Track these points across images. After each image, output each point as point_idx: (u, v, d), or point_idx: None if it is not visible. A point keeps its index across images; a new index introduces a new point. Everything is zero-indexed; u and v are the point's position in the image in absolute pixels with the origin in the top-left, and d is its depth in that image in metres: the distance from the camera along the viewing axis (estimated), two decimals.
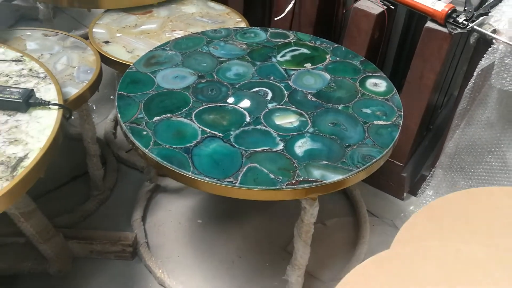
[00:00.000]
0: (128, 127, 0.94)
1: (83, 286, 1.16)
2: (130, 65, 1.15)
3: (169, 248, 1.26)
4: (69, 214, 1.31)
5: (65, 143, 1.22)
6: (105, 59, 1.26)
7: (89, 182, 1.37)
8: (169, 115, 0.98)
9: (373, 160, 0.90)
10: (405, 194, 1.43)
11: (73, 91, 1.12)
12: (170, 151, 0.89)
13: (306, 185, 0.84)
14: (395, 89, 1.10)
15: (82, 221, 1.31)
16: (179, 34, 1.36)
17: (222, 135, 0.93)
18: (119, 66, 1.24)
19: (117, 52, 1.27)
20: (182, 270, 1.21)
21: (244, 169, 0.86)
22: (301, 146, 0.92)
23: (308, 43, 1.26)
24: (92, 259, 1.21)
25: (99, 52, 1.26)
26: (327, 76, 1.13)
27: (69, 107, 1.09)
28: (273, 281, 1.19)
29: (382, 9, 1.28)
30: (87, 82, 1.15)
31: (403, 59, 1.44)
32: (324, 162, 0.89)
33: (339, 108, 1.03)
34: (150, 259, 1.20)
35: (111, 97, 1.76)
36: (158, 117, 0.97)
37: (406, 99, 1.29)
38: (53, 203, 1.34)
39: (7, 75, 1.05)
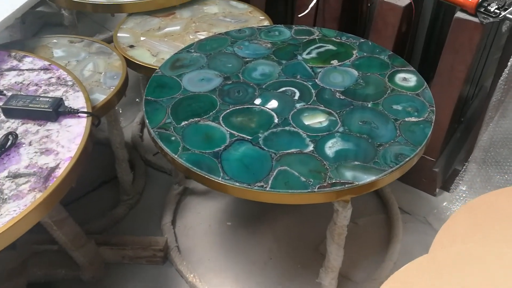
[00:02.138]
0: (157, 132, 0.94)
1: None
2: (156, 68, 1.15)
3: (199, 251, 1.26)
4: (99, 220, 1.32)
5: (93, 148, 1.23)
6: (130, 63, 1.26)
7: (118, 187, 1.38)
8: (196, 119, 0.97)
9: (407, 159, 0.88)
10: (437, 189, 1.40)
11: (100, 97, 1.12)
12: (199, 156, 0.88)
13: (338, 187, 0.83)
14: (425, 83, 1.07)
15: (112, 226, 1.32)
16: (202, 35, 1.35)
17: (250, 138, 0.92)
18: (145, 70, 1.25)
19: (142, 56, 1.27)
20: (214, 274, 1.20)
21: (275, 173, 0.85)
22: (332, 147, 0.90)
23: (334, 39, 1.23)
24: (124, 264, 1.22)
25: (124, 57, 1.26)
26: (355, 72, 1.11)
27: (97, 113, 1.10)
28: (306, 284, 1.17)
29: (409, 1, 1.24)
30: (114, 87, 1.15)
31: (432, 51, 1.40)
32: (356, 162, 0.87)
33: (369, 105, 1.01)
34: (181, 264, 1.21)
35: (137, 100, 1.77)
36: (186, 122, 0.96)
37: (437, 93, 1.25)
38: (83, 209, 1.36)
39: (36, 84, 1.06)
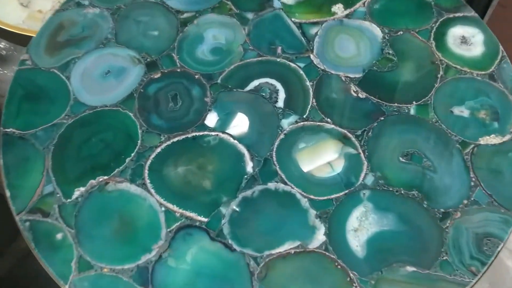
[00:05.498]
0: (28, 223, 0.49)
1: None
2: (27, 36, 0.65)
3: None
4: None
5: None
6: None
7: None
8: (101, 178, 0.52)
9: (499, 247, 0.47)
10: None
11: None
12: (112, 282, 0.46)
13: None
14: (501, 49, 0.61)
15: (17, 265, 0.91)
16: None
17: (205, 220, 0.49)
18: (10, 37, 0.73)
19: (3, 10, 0.74)
20: None
21: None
22: (359, 229, 0.48)
23: None
24: None
25: None
26: (376, 30, 0.63)
27: None
28: None
29: None
30: None
31: None
32: (408, 267, 0.46)
33: (411, 111, 0.56)
34: None
35: None
36: (82, 188, 0.51)
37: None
38: None
39: None
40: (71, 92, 0.58)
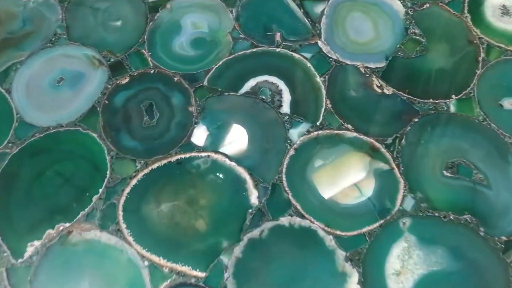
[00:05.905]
0: None
1: None
2: None
3: None
4: None
5: None
6: None
7: None
8: (62, 225, 0.39)
9: None
10: None
11: None
12: None
13: None
14: None
15: None
16: None
17: (202, 274, 0.37)
18: None
19: None
20: None
21: None
22: (402, 273, 0.37)
23: None
24: None
25: None
26: (397, 4, 0.51)
27: None
28: None
29: None
30: None
31: None
32: None
33: (451, 107, 0.44)
34: None
35: None
36: (37, 241, 0.39)
37: None
38: None
39: None
40: (13, 110, 0.45)
